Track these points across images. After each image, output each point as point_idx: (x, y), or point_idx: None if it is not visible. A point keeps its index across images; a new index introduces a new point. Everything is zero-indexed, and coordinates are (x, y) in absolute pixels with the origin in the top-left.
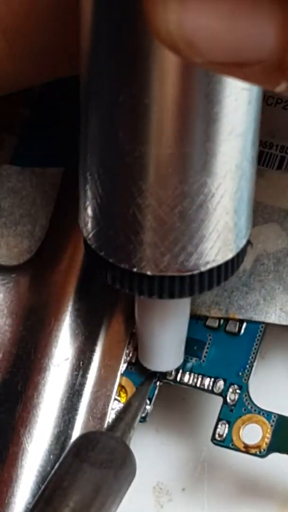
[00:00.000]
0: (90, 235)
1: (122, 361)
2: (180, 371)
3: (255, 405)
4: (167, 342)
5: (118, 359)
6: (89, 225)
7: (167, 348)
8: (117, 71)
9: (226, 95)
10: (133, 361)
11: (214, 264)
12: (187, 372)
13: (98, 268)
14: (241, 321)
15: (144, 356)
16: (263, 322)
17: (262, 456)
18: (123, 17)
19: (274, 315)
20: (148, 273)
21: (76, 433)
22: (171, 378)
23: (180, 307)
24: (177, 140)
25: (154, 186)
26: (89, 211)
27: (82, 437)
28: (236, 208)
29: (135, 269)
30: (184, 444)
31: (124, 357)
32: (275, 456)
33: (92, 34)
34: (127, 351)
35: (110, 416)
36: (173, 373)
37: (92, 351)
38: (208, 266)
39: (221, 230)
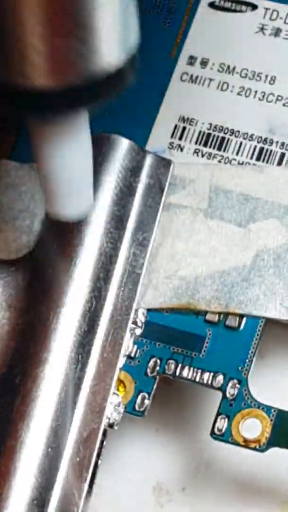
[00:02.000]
0: None
1: (121, 355)
2: (180, 365)
3: (255, 400)
4: (71, 173)
5: (117, 353)
6: None
7: (72, 182)
8: None
9: None
10: (132, 355)
11: (101, 70)
12: (187, 367)
13: None
14: (241, 316)
15: (51, 201)
16: (263, 317)
17: (261, 450)
18: None
19: (274, 310)
20: (28, 86)
21: (74, 426)
22: (170, 372)
23: (75, 128)
24: None
25: None
26: None
27: None
28: None
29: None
30: (184, 443)
31: (123, 351)
32: (274, 451)
33: None
34: (126, 345)
35: (109, 410)
36: (172, 367)
37: (91, 345)
38: (95, 72)
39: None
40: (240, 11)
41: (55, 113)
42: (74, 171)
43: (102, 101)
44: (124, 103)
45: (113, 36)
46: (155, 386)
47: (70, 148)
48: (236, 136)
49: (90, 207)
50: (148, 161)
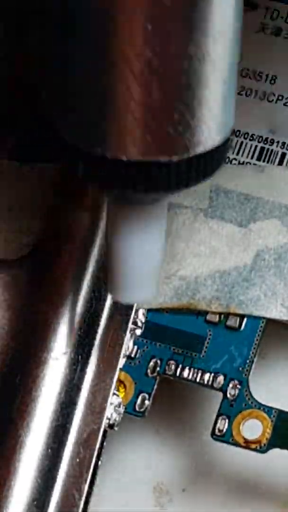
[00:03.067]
0: (62, 123)
1: (121, 356)
2: (180, 366)
3: (256, 400)
4: (141, 261)
5: (117, 354)
6: (59, 110)
7: (141, 269)
8: None
9: None
10: (132, 355)
11: (199, 150)
12: (187, 367)
13: (69, 161)
14: (242, 316)
15: (115, 285)
16: (264, 317)
17: (262, 451)
18: None
19: (275, 310)
20: (123, 158)
21: (74, 427)
22: (170, 373)
23: (155, 215)
24: None
25: (130, 48)
26: (61, 96)
27: None
28: (228, 78)
29: (109, 154)
30: (184, 444)
31: (123, 351)
32: (275, 452)
33: None
34: (126, 346)
35: (109, 411)
36: (172, 368)
37: (91, 345)
38: (186, 155)
39: (210, 105)
40: None
41: (148, 189)
42: (145, 259)
43: (195, 181)
44: None
45: (214, 119)
46: (155, 387)
47: (146, 234)
48: (236, 136)
49: (154, 295)
50: None
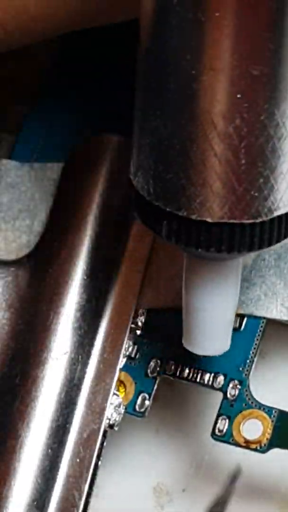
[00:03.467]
0: (146, 185)
1: (121, 356)
2: (180, 366)
3: (256, 400)
4: (217, 315)
5: (117, 354)
6: (145, 173)
7: (216, 324)
8: None
9: None
10: (132, 356)
11: (282, 211)
12: (187, 367)
13: (152, 222)
14: (242, 316)
15: (189, 337)
16: (264, 318)
17: (262, 451)
18: None
19: (275, 310)
20: (209, 219)
21: (74, 427)
22: (170, 373)
23: (232, 273)
24: (246, 60)
25: (220, 116)
26: (146, 156)
27: None
28: None
29: (194, 216)
30: (184, 444)
31: (123, 351)
32: (275, 452)
33: None
34: (126, 346)
35: (109, 411)
36: (173, 368)
37: (91, 345)
38: (270, 215)
39: None
40: None
41: (231, 249)
42: (220, 313)
43: (277, 240)
44: (123, 99)
45: None
46: (155, 387)
47: (222, 289)
48: None
49: (226, 348)
50: None
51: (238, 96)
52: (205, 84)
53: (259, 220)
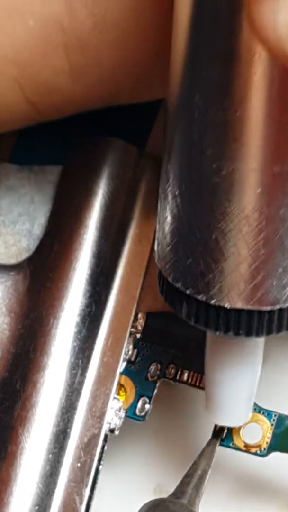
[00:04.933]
0: (167, 266)
1: (121, 360)
2: (180, 370)
3: (255, 404)
4: (237, 390)
5: (117, 358)
6: (167, 255)
7: (236, 397)
8: (210, 83)
9: None
10: (132, 359)
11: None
12: (187, 371)
13: (173, 301)
14: None
15: (211, 407)
16: None
17: (262, 455)
18: (220, 29)
19: None
20: (227, 305)
21: (75, 431)
22: (170, 377)
23: (255, 350)
24: (268, 158)
25: (239, 209)
26: (168, 239)
27: (149, 505)
28: None
29: (212, 301)
30: (184, 445)
31: (123, 355)
32: (275, 456)
33: (187, 46)
34: (126, 350)
35: (109, 415)
36: (172, 372)
37: (91, 349)
38: None
39: None
40: None
41: (249, 334)
42: (241, 390)
43: (282, 329)
44: (125, 105)
45: None
46: (155, 391)
47: (243, 368)
48: None
49: (248, 419)
50: (148, 164)
51: (258, 191)
52: (225, 178)
53: (277, 307)
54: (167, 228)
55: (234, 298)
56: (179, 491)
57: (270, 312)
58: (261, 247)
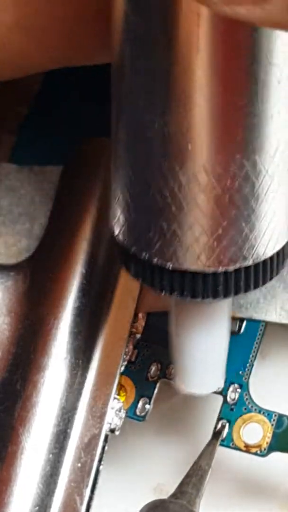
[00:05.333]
0: (121, 230)
1: (122, 360)
2: None
3: (256, 404)
4: (208, 354)
5: (117, 358)
6: (120, 219)
7: (208, 362)
8: (143, 34)
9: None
10: (133, 360)
11: (262, 258)
12: None
13: (125, 261)
14: (241, 320)
15: (182, 375)
16: (264, 321)
17: (262, 455)
18: None
19: (275, 313)
20: (184, 268)
21: (75, 432)
22: (171, 377)
23: (222, 311)
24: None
25: (188, 165)
26: (120, 202)
27: (150, 506)
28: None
29: (168, 264)
30: (184, 445)
31: (123, 355)
32: (275, 456)
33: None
34: (126, 350)
35: (110, 415)
36: (173, 372)
37: (91, 349)
38: (256, 260)
39: (265, 222)
40: None
41: (213, 295)
42: (210, 352)
43: (262, 283)
44: None
45: (278, 228)
46: (156, 391)
47: (210, 329)
48: None
49: (221, 385)
50: None
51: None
52: (160, 133)
53: (243, 265)
54: (118, 192)
55: (188, 260)
56: (179, 492)
57: (236, 271)
58: (211, 206)
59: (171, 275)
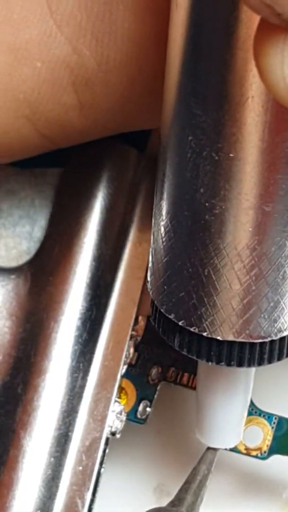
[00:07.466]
0: (160, 297)
1: (122, 363)
2: (180, 372)
3: (256, 407)
4: (228, 415)
5: (118, 361)
6: (160, 286)
7: (227, 422)
8: (205, 124)
9: None
10: (133, 363)
11: (286, 333)
12: (187, 374)
13: (166, 331)
14: None
15: (202, 430)
16: None
17: (263, 458)
18: (211, 75)
19: None
20: (219, 338)
21: (76, 435)
22: (171, 379)
23: (245, 378)
24: (260, 198)
25: (231, 246)
26: (161, 271)
27: None
28: None
29: (205, 333)
30: (185, 446)
31: (124, 358)
32: (276, 458)
33: (180, 85)
34: (127, 353)
35: (110, 418)
36: (173, 375)
37: (92, 353)
38: (280, 335)
39: None
40: None
41: (241, 364)
42: (232, 415)
43: (285, 356)
44: None
45: None
46: (156, 394)
47: (234, 394)
48: None
49: (238, 441)
50: (148, 167)
51: (250, 229)
52: (218, 217)
53: (268, 339)
54: (160, 260)
55: (226, 331)
56: (177, 498)
57: (262, 344)
58: (252, 283)
59: (219, 347)
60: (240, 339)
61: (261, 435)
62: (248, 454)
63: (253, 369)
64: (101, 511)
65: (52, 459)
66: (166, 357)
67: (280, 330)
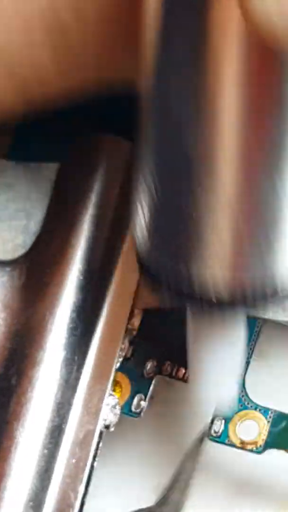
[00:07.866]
0: (149, 243)
1: (117, 356)
2: (176, 366)
3: (252, 401)
4: (222, 364)
5: (113, 354)
6: (149, 234)
7: (219, 374)
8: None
9: None
10: (128, 356)
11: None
12: (183, 368)
13: (155, 278)
14: None
15: (196, 385)
16: (260, 318)
17: (258, 452)
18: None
19: (271, 311)
20: (209, 281)
21: (70, 427)
22: (167, 373)
23: (235, 331)
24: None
25: (220, 184)
26: (149, 220)
27: None
28: None
29: (195, 277)
30: (180, 442)
31: (119, 352)
32: (271, 453)
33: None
34: (122, 346)
35: (105, 411)
36: (169, 368)
37: (87, 345)
38: (272, 277)
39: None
40: None
41: (229, 313)
42: (225, 366)
43: (267, 306)
44: (123, 101)
45: None
46: (151, 387)
47: (224, 344)
48: None
49: (234, 401)
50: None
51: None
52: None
53: (259, 282)
54: (148, 209)
55: (217, 273)
56: (163, 498)
57: (253, 286)
58: (242, 222)
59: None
60: (230, 282)
61: (257, 429)
62: (243, 448)
63: (243, 316)
64: (97, 508)
65: (45, 451)
66: (162, 351)
67: (272, 273)
